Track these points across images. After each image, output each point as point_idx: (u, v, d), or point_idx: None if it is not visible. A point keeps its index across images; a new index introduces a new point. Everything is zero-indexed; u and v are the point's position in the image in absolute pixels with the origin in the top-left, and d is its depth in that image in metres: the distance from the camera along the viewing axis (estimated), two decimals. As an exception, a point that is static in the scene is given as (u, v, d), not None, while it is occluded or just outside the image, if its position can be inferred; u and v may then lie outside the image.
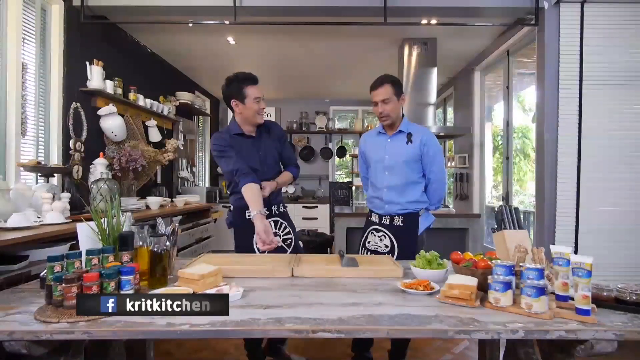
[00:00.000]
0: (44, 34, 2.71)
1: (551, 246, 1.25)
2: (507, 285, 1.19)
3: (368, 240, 2.10)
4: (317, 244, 3.87)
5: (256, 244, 1.86)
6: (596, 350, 1.05)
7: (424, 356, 2.45)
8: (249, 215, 1.95)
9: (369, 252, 2.08)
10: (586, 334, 1.04)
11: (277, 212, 2.11)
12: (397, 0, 2.95)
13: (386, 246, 2.03)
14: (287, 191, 6.35)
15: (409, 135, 1.99)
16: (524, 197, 5.94)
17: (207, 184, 6.19)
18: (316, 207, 5.89)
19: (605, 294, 1.24)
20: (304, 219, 5.82)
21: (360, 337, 1.04)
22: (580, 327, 1.06)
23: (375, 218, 2.10)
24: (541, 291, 1.12)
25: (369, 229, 2.12)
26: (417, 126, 2.07)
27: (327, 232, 5.65)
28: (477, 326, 1.06)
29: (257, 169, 1.97)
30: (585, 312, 1.10)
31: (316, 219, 5.86)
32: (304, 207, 5.88)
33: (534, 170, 6.29)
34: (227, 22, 2.97)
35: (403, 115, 2.08)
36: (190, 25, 3.30)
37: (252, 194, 1.83)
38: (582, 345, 1.07)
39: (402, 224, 2.01)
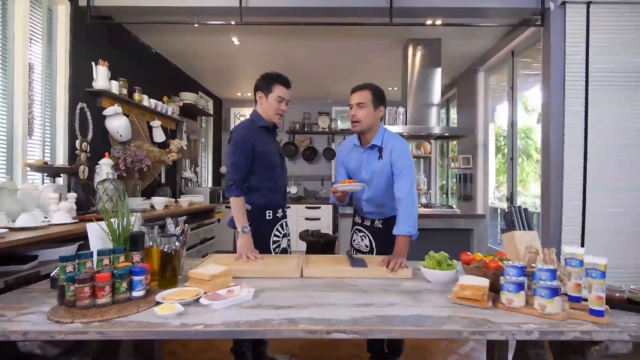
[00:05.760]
0: (50, 34, 2.71)
1: (564, 247, 1.24)
2: (520, 286, 1.18)
3: (353, 239, 2.16)
4: (321, 244, 3.85)
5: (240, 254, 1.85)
6: (611, 351, 1.05)
7: (429, 356, 2.45)
8: (269, 216, 2.02)
9: (354, 251, 2.13)
10: (601, 335, 1.04)
11: (285, 215, 2.15)
12: (402, 1, 2.95)
13: (366, 246, 2.08)
14: (289, 191, 6.35)
15: (380, 150, 1.91)
16: (526, 198, 5.95)
17: (210, 184, 6.19)
18: (319, 207, 5.89)
19: (617, 294, 1.23)
20: (306, 219, 5.82)
21: (374, 337, 1.04)
22: (594, 328, 1.05)
23: (358, 219, 2.15)
24: (555, 292, 1.11)
25: (353, 228, 2.18)
26: (390, 139, 1.93)
27: (330, 232, 5.65)
28: (491, 327, 1.06)
29: (277, 161, 2.04)
30: (599, 313, 1.10)
31: (319, 219, 5.86)
32: (306, 207, 5.87)
33: (536, 171, 6.26)
34: (233, 22, 2.98)
35: (385, 129, 1.97)
36: (197, 25, 3.31)
37: (241, 208, 1.90)
38: (597, 346, 1.06)
39: (381, 226, 2.05)
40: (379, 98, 1.92)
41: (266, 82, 1.98)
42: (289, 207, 2.17)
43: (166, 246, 1.45)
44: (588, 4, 2.79)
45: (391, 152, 1.89)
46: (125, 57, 3.55)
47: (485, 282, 1.27)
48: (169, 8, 2.99)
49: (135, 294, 1.24)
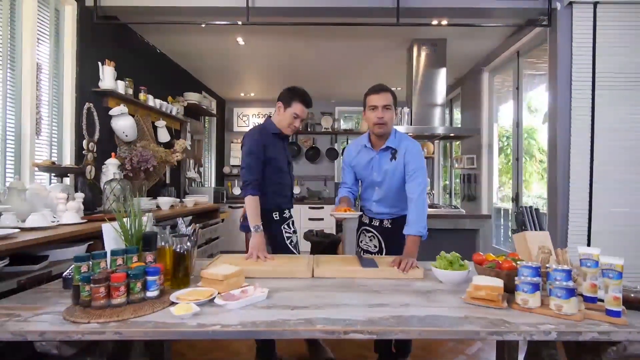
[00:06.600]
0: (57, 34, 2.71)
1: (579, 247, 1.24)
2: (536, 287, 1.18)
3: (360, 239, 2.16)
4: (326, 244, 3.86)
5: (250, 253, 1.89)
6: (629, 352, 1.04)
7: (437, 357, 2.45)
8: (276, 217, 2.08)
9: (362, 252, 2.13)
10: (619, 336, 1.04)
11: (291, 215, 2.21)
12: (408, 1, 2.95)
13: (375, 246, 2.08)
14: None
15: (394, 152, 1.92)
16: (528, 199, 5.95)
17: (214, 184, 6.19)
18: (322, 207, 5.89)
19: (632, 295, 1.23)
20: (310, 219, 5.82)
21: (392, 338, 1.04)
22: (612, 328, 1.05)
23: (365, 219, 2.15)
24: (571, 292, 1.11)
25: (360, 229, 2.18)
26: (403, 140, 1.95)
27: (333, 232, 5.64)
28: (509, 327, 1.06)
29: (285, 167, 2.11)
30: (616, 314, 1.09)
31: (322, 219, 5.86)
32: (310, 207, 5.87)
33: (539, 171, 6.24)
34: (239, 22, 2.97)
35: (396, 130, 1.99)
36: (204, 26, 3.31)
37: (256, 207, 1.94)
38: (614, 347, 1.06)
39: (390, 226, 2.05)
40: (395, 100, 1.94)
41: (289, 96, 2.04)
42: (293, 206, 2.21)
43: (178, 246, 1.45)
44: (595, 4, 2.79)
45: (405, 153, 1.90)
46: (130, 57, 3.55)
47: (499, 283, 1.26)
48: (175, 8, 2.99)
49: (149, 294, 1.25)
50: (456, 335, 1.05)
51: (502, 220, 4.62)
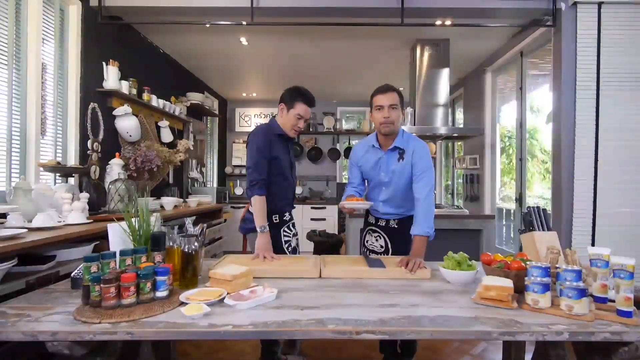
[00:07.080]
0: (62, 34, 2.71)
1: (589, 247, 1.24)
2: (546, 287, 1.18)
3: (366, 239, 2.16)
4: (329, 244, 3.87)
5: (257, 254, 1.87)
6: (640, 352, 1.04)
7: (442, 357, 2.45)
8: (275, 220, 2.04)
9: (368, 252, 2.13)
10: (631, 336, 1.04)
11: (292, 217, 2.20)
12: (412, 1, 2.95)
13: (381, 246, 2.08)
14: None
15: (401, 152, 1.92)
16: (529, 199, 5.95)
17: (216, 184, 6.19)
18: (324, 207, 5.89)
19: (642, 295, 1.23)
20: (312, 219, 5.82)
21: (404, 338, 1.04)
22: (624, 329, 1.05)
23: (371, 219, 2.14)
24: (582, 293, 1.11)
25: (366, 229, 2.17)
26: (411, 140, 1.94)
27: (336, 232, 5.65)
28: (520, 328, 1.06)
29: (288, 170, 2.08)
30: (628, 314, 1.09)
31: (324, 219, 5.87)
32: (312, 207, 5.88)
33: (540, 171, 6.22)
34: (244, 22, 2.98)
35: (403, 131, 1.98)
36: (208, 25, 3.31)
37: (263, 207, 1.93)
38: (626, 347, 1.06)
39: (396, 226, 2.05)
40: (402, 100, 1.94)
41: (291, 96, 2.00)
42: (294, 207, 2.18)
43: (186, 246, 1.45)
44: (599, 5, 2.78)
45: (413, 153, 1.90)
46: (134, 57, 3.55)
47: (509, 283, 1.26)
48: (179, 8, 2.99)
49: (159, 294, 1.24)
50: (468, 336, 1.05)
51: (504, 220, 4.62)
